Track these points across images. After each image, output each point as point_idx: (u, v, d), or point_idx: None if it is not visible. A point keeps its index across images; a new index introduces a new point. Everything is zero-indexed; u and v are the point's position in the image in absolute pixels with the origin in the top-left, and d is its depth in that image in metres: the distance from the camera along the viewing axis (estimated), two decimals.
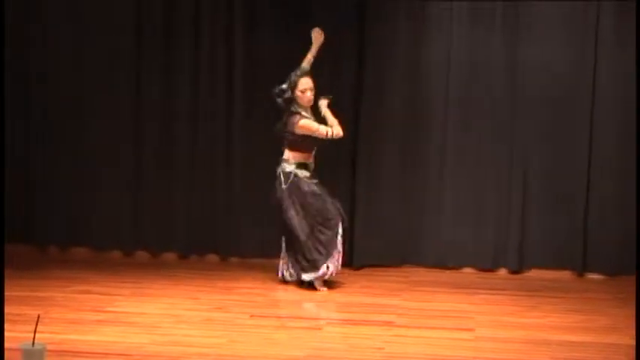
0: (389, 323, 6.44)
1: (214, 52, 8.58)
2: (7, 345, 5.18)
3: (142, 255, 8.83)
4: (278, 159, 7.56)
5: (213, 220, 8.59)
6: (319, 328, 6.32)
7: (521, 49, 8.22)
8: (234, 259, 8.65)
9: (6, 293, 6.95)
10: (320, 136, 7.48)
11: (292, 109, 7.50)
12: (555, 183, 8.29)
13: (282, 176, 7.52)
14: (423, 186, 8.48)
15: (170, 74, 8.64)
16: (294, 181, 7.48)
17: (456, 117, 8.37)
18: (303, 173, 7.52)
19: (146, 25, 8.63)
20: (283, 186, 7.49)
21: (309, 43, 7.82)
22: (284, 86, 7.48)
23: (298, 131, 7.46)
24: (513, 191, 8.32)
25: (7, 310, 6.38)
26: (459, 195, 8.41)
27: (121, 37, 8.67)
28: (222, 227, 8.58)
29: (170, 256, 8.78)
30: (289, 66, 8.05)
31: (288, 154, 7.55)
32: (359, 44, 8.41)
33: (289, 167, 7.51)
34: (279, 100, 7.50)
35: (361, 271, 8.36)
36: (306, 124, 7.46)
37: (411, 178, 8.46)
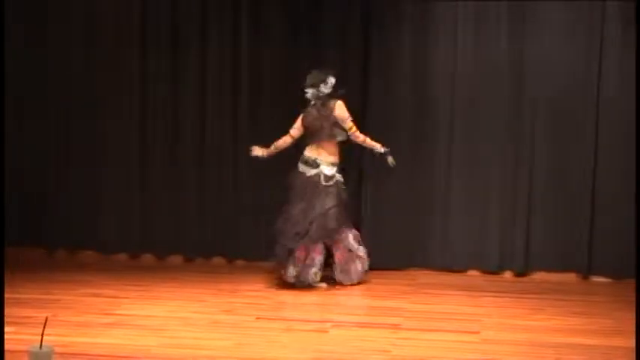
0: (395, 326, 6.45)
1: (221, 52, 8.62)
2: (15, 347, 5.23)
3: (148, 258, 8.87)
4: (289, 161, 7.71)
5: (219, 223, 8.62)
6: (325, 331, 6.32)
7: (526, 49, 8.24)
8: (240, 262, 8.69)
9: (15, 296, 7.05)
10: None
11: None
12: (561, 185, 8.29)
13: (322, 177, 7.68)
14: (430, 188, 8.50)
15: (177, 75, 8.69)
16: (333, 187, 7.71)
17: (462, 119, 8.39)
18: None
19: (153, 26, 8.69)
20: (323, 183, 7.69)
21: (314, 44, 8.01)
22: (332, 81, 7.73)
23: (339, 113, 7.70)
24: (519, 194, 8.34)
25: (15, 312, 6.46)
26: (466, 198, 8.43)
27: (129, 38, 8.72)
28: (228, 230, 8.60)
29: (176, 259, 8.82)
30: (295, 66, 8.15)
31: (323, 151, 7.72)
32: (365, 46, 8.43)
33: (331, 169, 7.72)
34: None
35: (367, 274, 8.27)
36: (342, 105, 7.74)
37: (418, 180, 8.48)
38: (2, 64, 8.08)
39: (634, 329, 5.89)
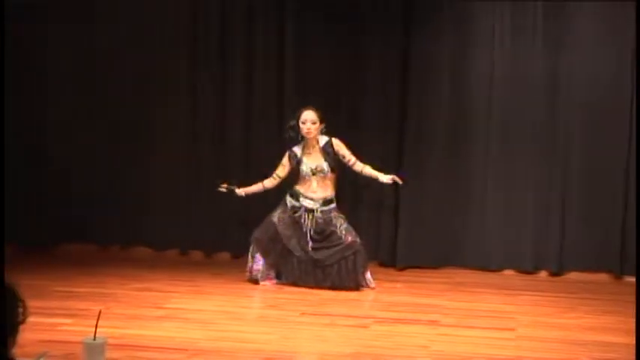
0: (434, 322, 6.52)
1: (266, 56, 8.72)
2: (70, 338, 5.45)
3: (197, 254, 8.97)
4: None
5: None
6: (367, 327, 6.39)
7: (562, 52, 8.26)
8: None
9: (70, 290, 7.23)
10: None
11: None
12: (594, 187, 8.30)
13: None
14: (466, 189, 8.54)
15: (224, 79, 8.80)
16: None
17: (499, 120, 8.42)
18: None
19: (202, 30, 8.79)
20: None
21: (356, 49, 8.18)
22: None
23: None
24: (553, 195, 8.36)
25: (71, 305, 6.62)
26: (501, 198, 8.46)
27: (179, 43, 8.84)
28: None
29: (224, 256, 8.90)
30: (338, 69, 8.30)
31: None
32: (405, 48, 8.50)
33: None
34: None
35: (405, 272, 8.45)
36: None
37: (455, 179, 8.53)
38: (2, 64, 8.16)
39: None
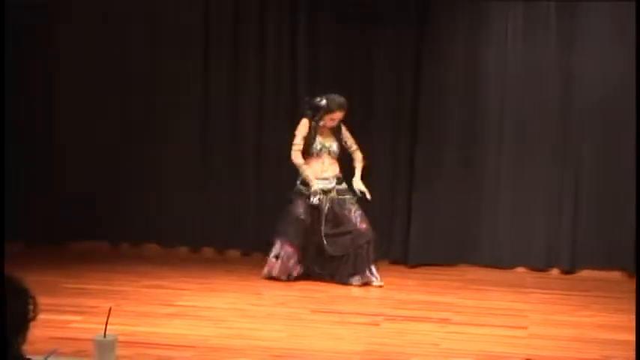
0: (445, 320, 6.52)
1: (279, 55, 8.73)
2: (80, 335, 5.45)
3: (208, 251, 8.97)
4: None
5: (276, 219, 8.66)
6: (377, 324, 6.39)
7: (575, 52, 8.27)
8: None
9: (81, 287, 7.25)
10: None
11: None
12: (607, 185, 8.30)
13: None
14: (479, 186, 8.54)
15: (236, 77, 8.80)
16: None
17: (512, 120, 8.44)
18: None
19: (214, 29, 8.79)
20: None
21: (369, 49, 8.15)
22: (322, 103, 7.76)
23: None
24: (566, 193, 8.36)
25: (81, 302, 6.64)
26: (514, 195, 8.46)
27: (190, 42, 8.84)
28: None
29: (234, 253, 8.90)
30: (350, 69, 8.25)
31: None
32: (418, 46, 8.50)
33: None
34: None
35: (417, 269, 8.44)
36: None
37: (467, 178, 8.53)
38: (2, 63, 8.15)
39: None
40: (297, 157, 7.78)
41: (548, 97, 8.36)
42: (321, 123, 7.79)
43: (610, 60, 8.23)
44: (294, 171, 7.95)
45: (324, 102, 7.73)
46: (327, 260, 7.72)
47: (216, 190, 8.86)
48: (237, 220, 8.88)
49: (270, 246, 7.91)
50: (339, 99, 7.76)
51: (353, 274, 7.66)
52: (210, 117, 8.92)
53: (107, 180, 8.97)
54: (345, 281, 7.67)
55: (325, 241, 7.69)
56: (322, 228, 7.71)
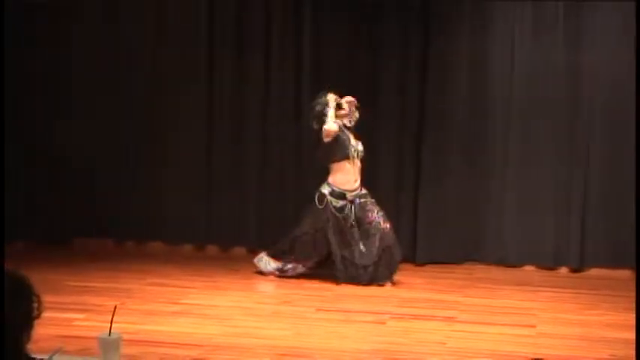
0: (451, 319, 6.50)
1: (284, 55, 8.72)
2: (85, 334, 5.44)
3: (212, 249, 8.97)
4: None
5: (282, 217, 8.63)
6: (383, 323, 6.38)
7: (582, 51, 8.26)
8: None
9: (85, 284, 7.25)
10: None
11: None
12: (615, 184, 8.28)
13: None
14: (486, 185, 8.54)
15: (242, 77, 8.80)
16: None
17: (518, 121, 8.43)
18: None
19: (218, 30, 8.80)
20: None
21: (375, 49, 8.09)
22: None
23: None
24: (574, 192, 8.35)
25: (86, 300, 6.63)
26: (522, 194, 8.44)
27: (195, 43, 8.83)
28: (290, 224, 8.66)
29: (239, 251, 8.89)
30: (356, 68, 8.21)
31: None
32: (423, 46, 8.49)
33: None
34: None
35: (424, 268, 8.42)
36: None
37: (474, 177, 8.52)
38: (2, 64, 8.16)
39: None
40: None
41: (555, 96, 8.34)
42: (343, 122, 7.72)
43: (618, 60, 8.21)
44: (298, 167, 8.00)
45: (319, 106, 7.65)
46: (352, 266, 7.64)
47: (221, 188, 8.86)
48: (241, 218, 8.87)
49: (274, 244, 7.90)
50: (322, 95, 7.68)
51: (386, 276, 7.62)
52: (214, 116, 8.92)
53: (111, 178, 8.98)
54: (378, 282, 7.62)
55: (355, 252, 7.61)
56: (353, 236, 7.62)
